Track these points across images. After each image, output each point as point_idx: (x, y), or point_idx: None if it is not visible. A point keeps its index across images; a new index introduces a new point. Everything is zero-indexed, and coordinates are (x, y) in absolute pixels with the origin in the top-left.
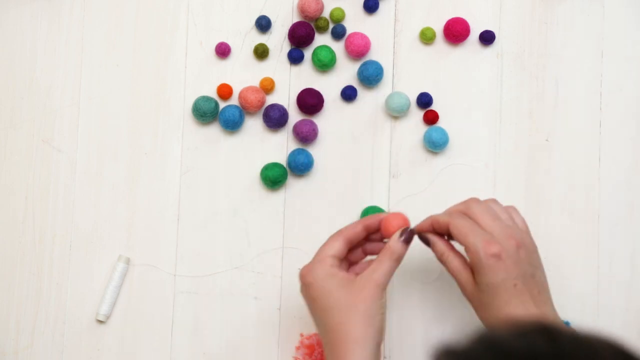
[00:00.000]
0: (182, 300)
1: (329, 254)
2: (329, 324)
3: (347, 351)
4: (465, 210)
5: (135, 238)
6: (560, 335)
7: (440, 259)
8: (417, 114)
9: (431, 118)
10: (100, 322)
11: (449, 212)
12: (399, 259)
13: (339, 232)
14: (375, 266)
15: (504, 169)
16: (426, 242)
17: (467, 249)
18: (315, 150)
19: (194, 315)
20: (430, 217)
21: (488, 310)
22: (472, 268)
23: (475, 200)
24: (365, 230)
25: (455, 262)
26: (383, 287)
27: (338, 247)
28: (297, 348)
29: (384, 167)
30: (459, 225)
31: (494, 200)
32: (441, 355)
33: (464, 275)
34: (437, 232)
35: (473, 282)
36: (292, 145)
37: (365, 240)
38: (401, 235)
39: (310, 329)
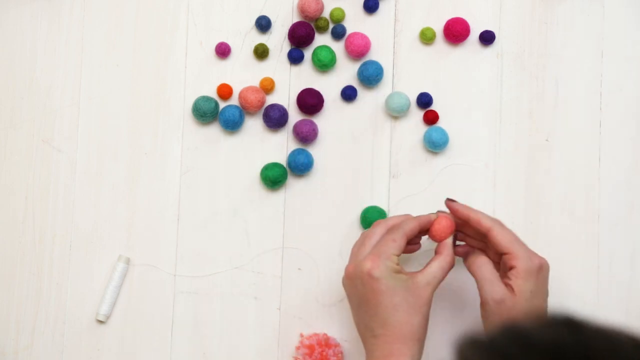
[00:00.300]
0: (182, 300)
1: (394, 253)
2: (391, 320)
3: (409, 347)
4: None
5: (135, 238)
6: (585, 327)
7: (474, 261)
8: (417, 114)
9: (431, 118)
10: (100, 322)
11: (491, 218)
12: (452, 266)
13: (401, 230)
14: (435, 271)
15: (504, 169)
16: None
17: (512, 256)
18: (315, 150)
19: (194, 315)
20: (474, 212)
21: (505, 315)
22: (515, 275)
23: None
24: (419, 230)
25: (489, 267)
26: (435, 289)
27: (401, 246)
28: (297, 348)
29: (384, 167)
30: (503, 232)
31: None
32: (466, 346)
33: (499, 283)
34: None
35: (507, 291)
36: (292, 145)
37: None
38: (453, 240)
39: (310, 329)
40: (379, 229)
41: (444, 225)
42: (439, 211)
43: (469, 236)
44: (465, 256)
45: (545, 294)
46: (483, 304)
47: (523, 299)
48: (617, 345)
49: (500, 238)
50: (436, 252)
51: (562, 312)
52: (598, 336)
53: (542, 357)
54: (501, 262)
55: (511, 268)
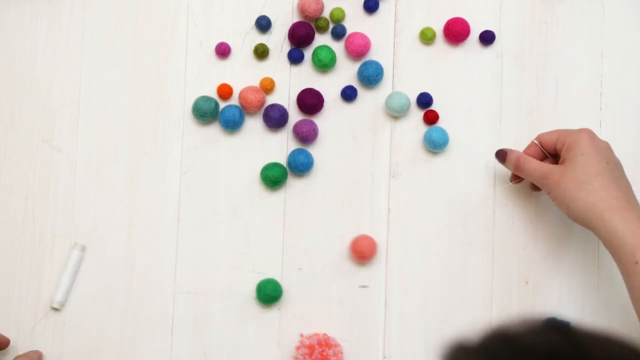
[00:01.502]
0: (182, 300)
1: None
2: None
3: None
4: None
5: (135, 238)
6: (575, 332)
7: (517, 163)
8: (417, 114)
9: (431, 118)
10: (55, 309)
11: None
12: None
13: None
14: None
15: (504, 169)
16: (501, 155)
17: (560, 139)
18: (315, 150)
19: (194, 315)
20: (536, 137)
21: (585, 186)
22: (567, 149)
23: (587, 130)
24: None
25: (533, 161)
26: None
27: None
28: (297, 348)
29: (384, 167)
30: (549, 132)
31: None
32: (455, 351)
33: (546, 166)
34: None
35: (558, 167)
36: (292, 145)
37: None
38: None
39: (310, 329)
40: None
41: None
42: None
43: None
44: (508, 162)
45: (606, 157)
46: (546, 192)
47: (577, 163)
48: (609, 349)
49: (547, 137)
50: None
51: (548, 317)
52: (590, 340)
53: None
54: (558, 152)
55: (562, 148)
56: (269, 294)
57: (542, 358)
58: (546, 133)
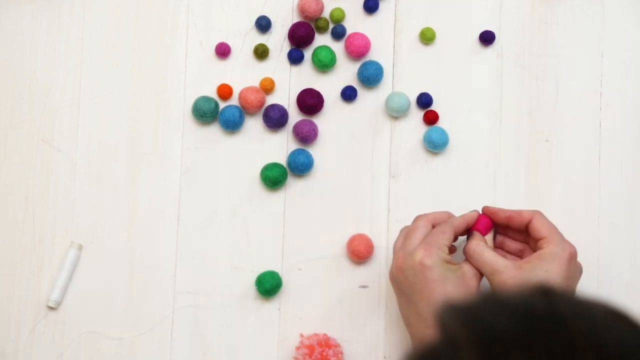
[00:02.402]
0: (182, 300)
1: (445, 244)
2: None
3: None
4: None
5: (135, 238)
6: (558, 295)
7: (474, 250)
8: (417, 114)
9: (431, 118)
10: (51, 308)
11: (530, 210)
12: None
13: (449, 224)
14: (478, 259)
15: (504, 169)
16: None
17: (546, 240)
18: (315, 150)
19: (194, 315)
20: (511, 211)
21: None
22: (538, 256)
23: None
24: (465, 226)
25: (490, 252)
26: None
27: (450, 238)
28: (297, 348)
29: (384, 167)
30: (543, 220)
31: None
32: (444, 312)
33: (502, 261)
34: (502, 224)
35: (514, 267)
36: (292, 145)
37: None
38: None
39: (310, 329)
40: (421, 223)
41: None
42: (475, 210)
43: (509, 237)
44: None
45: (567, 286)
46: (491, 283)
47: (535, 274)
48: (587, 311)
49: (539, 225)
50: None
51: (540, 284)
52: (570, 302)
53: (512, 317)
54: (537, 248)
55: (539, 248)
56: (268, 285)
57: (519, 314)
58: (541, 220)
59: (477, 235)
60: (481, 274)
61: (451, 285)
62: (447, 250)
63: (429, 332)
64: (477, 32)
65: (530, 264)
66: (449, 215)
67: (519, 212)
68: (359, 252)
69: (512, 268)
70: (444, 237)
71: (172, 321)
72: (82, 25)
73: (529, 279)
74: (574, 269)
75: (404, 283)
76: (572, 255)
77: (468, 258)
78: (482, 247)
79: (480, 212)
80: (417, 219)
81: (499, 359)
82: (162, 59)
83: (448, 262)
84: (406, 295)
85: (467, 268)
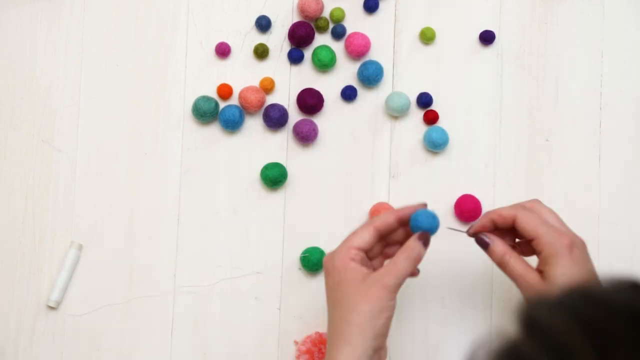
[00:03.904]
0: (182, 300)
1: (354, 245)
2: (332, 317)
3: (337, 349)
4: (528, 206)
5: (135, 238)
6: None
7: (501, 260)
8: (417, 114)
9: (431, 118)
10: (52, 308)
11: (512, 206)
12: (415, 261)
13: (370, 222)
14: (389, 267)
15: (504, 169)
16: (482, 243)
17: (538, 242)
18: (315, 150)
19: (194, 315)
20: (491, 212)
21: None
22: (544, 261)
23: (536, 200)
24: (397, 221)
25: (520, 263)
26: (393, 289)
27: (366, 238)
28: (297, 357)
29: (384, 167)
30: (527, 218)
31: (538, 202)
32: (534, 307)
33: (532, 274)
34: (496, 229)
35: (541, 280)
36: (292, 145)
37: (404, 234)
38: (420, 237)
39: (310, 329)
40: (363, 224)
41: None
42: (421, 203)
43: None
44: (491, 254)
45: (586, 271)
46: (522, 293)
47: (557, 283)
48: None
49: (524, 225)
50: (401, 250)
51: (627, 277)
52: None
53: (621, 319)
54: (534, 249)
55: (539, 254)
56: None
57: (629, 315)
58: (525, 217)
59: (498, 243)
60: (396, 281)
61: (343, 292)
62: (358, 253)
63: (327, 341)
64: (477, 32)
65: (547, 273)
66: (387, 213)
67: (500, 214)
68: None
69: (539, 281)
70: (358, 238)
71: (172, 321)
72: (82, 25)
73: (554, 288)
74: (582, 255)
75: (325, 281)
76: (571, 245)
77: (499, 266)
78: (510, 256)
79: (426, 206)
80: (362, 225)
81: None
82: (162, 59)
83: (351, 267)
84: (326, 293)
85: (377, 274)
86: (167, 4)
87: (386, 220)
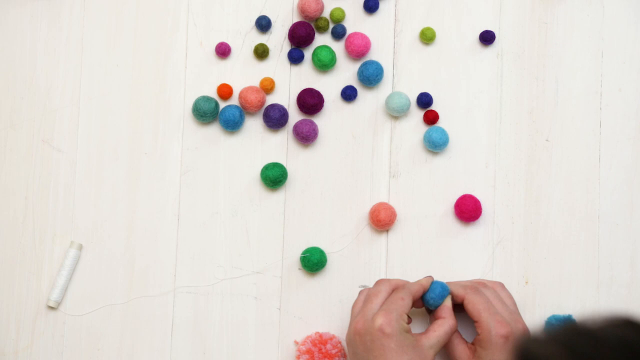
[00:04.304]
0: (182, 300)
1: (404, 311)
2: None
3: None
4: (477, 287)
5: (135, 238)
6: None
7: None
8: (417, 114)
9: (431, 118)
10: (52, 308)
11: (463, 286)
12: (454, 329)
13: (407, 290)
14: (440, 335)
15: (504, 169)
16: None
17: (478, 325)
18: (315, 150)
19: (194, 315)
20: (452, 284)
21: None
22: (479, 343)
23: (499, 284)
24: (422, 292)
25: (461, 342)
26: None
27: (409, 305)
28: (297, 358)
29: (384, 167)
30: (474, 301)
31: (501, 285)
32: (529, 343)
33: (465, 350)
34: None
35: (471, 356)
36: (292, 145)
37: None
38: (452, 305)
39: (310, 329)
40: (383, 288)
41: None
42: (429, 276)
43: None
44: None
45: None
46: None
47: None
48: None
49: (470, 307)
50: (437, 317)
51: (620, 314)
52: None
53: (613, 352)
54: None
55: (478, 335)
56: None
57: (620, 350)
58: (473, 299)
59: (447, 322)
60: (439, 347)
61: (407, 356)
62: (406, 318)
63: None
64: (477, 32)
65: (478, 354)
66: (405, 283)
67: (453, 292)
68: (383, 221)
69: (470, 357)
70: (403, 305)
71: (172, 321)
72: (82, 25)
73: None
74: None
75: (360, 347)
76: (507, 336)
77: (444, 341)
78: (456, 337)
79: (434, 278)
80: (379, 283)
81: None
82: (162, 59)
83: (407, 331)
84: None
85: (424, 341)
86: (167, 4)
87: (417, 290)
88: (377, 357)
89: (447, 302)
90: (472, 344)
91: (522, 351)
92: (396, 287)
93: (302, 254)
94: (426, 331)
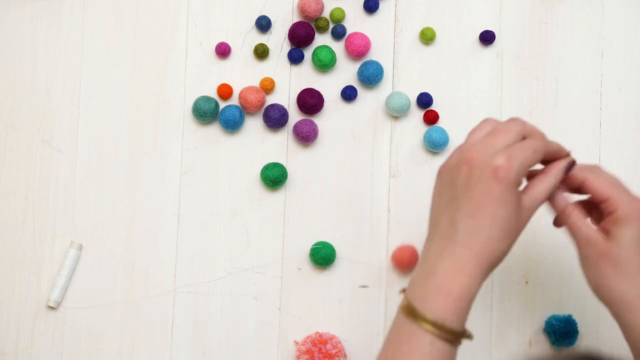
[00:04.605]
0: (182, 300)
1: (530, 164)
2: (483, 233)
3: (481, 273)
4: (592, 168)
5: (135, 238)
6: None
7: (562, 212)
8: (417, 114)
9: (431, 118)
10: (51, 308)
11: (580, 168)
12: (555, 187)
13: (544, 147)
14: (541, 192)
15: None
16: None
17: (611, 201)
18: (315, 150)
19: (194, 315)
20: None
21: (623, 270)
22: (614, 221)
23: (597, 165)
24: (553, 158)
25: (582, 219)
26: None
27: (538, 160)
28: (297, 357)
29: (384, 167)
30: (599, 178)
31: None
32: None
33: (594, 231)
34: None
35: (604, 239)
36: (292, 145)
37: None
38: (567, 165)
39: (310, 329)
40: (514, 128)
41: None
42: (569, 153)
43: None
44: (552, 204)
45: None
46: (579, 252)
47: (623, 246)
48: None
49: (596, 185)
50: (543, 172)
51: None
52: None
53: None
54: (603, 211)
55: (610, 214)
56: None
57: None
58: (597, 178)
59: (560, 196)
60: (537, 207)
61: (505, 211)
62: (526, 172)
63: (452, 246)
64: (477, 32)
65: (615, 233)
66: (543, 136)
67: (571, 176)
68: (405, 263)
69: (602, 241)
70: (533, 157)
71: (172, 321)
72: (82, 25)
73: (618, 249)
74: None
75: (460, 181)
76: None
77: (561, 219)
78: (578, 214)
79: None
80: (513, 121)
81: None
82: (162, 59)
83: (518, 185)
84: (452, 195)
85: (527, 200)
86: (167, 4)
87: (554, 149)
88: (471, 198)
89: (562, 163)
90: (602, 226)
91: None
92: (531, 135)
93: (314, 245)
94: (525, 188)
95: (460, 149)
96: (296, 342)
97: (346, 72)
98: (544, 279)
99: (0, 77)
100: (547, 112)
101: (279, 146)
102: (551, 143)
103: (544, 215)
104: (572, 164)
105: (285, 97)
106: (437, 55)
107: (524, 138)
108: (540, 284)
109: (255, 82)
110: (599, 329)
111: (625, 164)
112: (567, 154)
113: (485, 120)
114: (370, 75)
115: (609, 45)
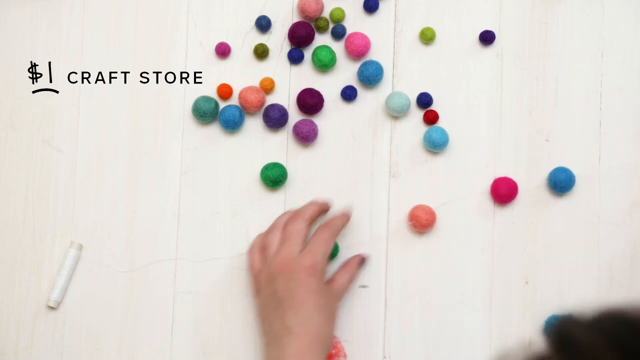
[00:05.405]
0: (182, 300)
1: (328, 254)
2: (313, 321)
3: (321, 352)
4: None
5: (135, 238)
6: None
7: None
8: (417, 114)
9: (431, 118)
10: (51, 308)
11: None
12: (354, 277)
13: (333, 234)
14: (345, 284)
15: (504, 169)
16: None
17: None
18: (315, 150)
19: (194, 315)
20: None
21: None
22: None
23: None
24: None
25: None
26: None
27: (331, 248)
28: None
29: (384, 167)
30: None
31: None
32: (566, 324)
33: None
34: None
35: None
36: (292, 145)
37: None
38: (360, 262)
39: None
40: (301, 226)
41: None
42: (345, 210)
43: None
44: None
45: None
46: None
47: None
48: None
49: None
50: (343, 267)
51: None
52: None
53: None
54: None
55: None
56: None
57: None
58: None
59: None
60: (343, 295)
61: (324, 300)
62: (327, 261)
63: (290, 339)
64: (477, 32)
65: None
66: (320, 208)
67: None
68: (423, 223)
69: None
70: (328, 247)
71: (172, 321)
72: (82, 25)
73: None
74: None
75: (281, 288)
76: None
77: (343, 287)
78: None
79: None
80: (296, 220)
81: None
82: (162, 59)
83: (325, 274)
84: (275, 304)
85: (335, 288)
86: (167, 4)
87: (342, 226)
88: (294, 297)
89: (357, 259)
90: None
91: (560, 333)
92: (312, 219)
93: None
94: (331, 280)
95: (258, 272)
96: None
97: (346, 72)
98: (544, 279)
99: (0, 77)
100: (547, 112)
101: (279, 146)
102: (336, 227)
103: (544, 215)
104: (363, 260)
105: (285, 97)
106: (437, 55)
107: (312, 220)
108: (540, 284)
109: (255, 82)
110: None
111: (625, 164)
112: (348, 218)
113: (275, 226)
114: (370, 75)
115: (609, 45)
